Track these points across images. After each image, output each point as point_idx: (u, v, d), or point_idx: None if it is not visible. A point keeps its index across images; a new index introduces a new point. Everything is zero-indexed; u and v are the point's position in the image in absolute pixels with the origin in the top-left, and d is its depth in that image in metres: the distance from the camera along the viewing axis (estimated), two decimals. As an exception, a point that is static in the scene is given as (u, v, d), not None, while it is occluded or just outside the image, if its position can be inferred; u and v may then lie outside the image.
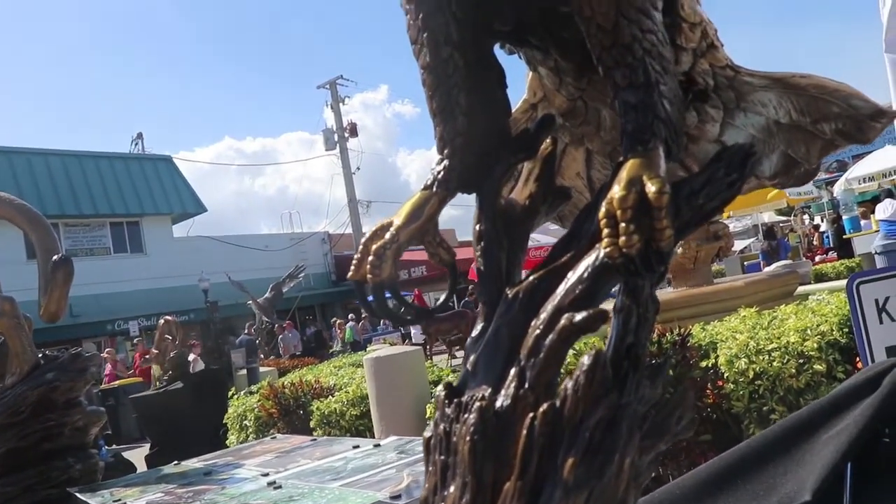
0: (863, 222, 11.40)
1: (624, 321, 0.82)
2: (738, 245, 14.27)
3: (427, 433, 0.82)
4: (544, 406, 0.73)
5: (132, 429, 10.43)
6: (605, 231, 0.75)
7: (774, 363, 2.75)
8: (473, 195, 0.99)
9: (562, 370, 0.81)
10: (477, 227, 0.95)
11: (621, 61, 0.87)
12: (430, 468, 0.81)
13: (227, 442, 5.61)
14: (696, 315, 4.54)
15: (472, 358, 0.84)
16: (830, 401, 1.33)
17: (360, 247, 0.97)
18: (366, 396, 4.37)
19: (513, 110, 1.14)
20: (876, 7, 4.41)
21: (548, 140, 1.01)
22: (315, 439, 3.18)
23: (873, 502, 1.22)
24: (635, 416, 0.75)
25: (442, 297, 1.05)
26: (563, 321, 0.75)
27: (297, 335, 16.84)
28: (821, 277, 9.56)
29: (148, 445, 7.79)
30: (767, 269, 9.47)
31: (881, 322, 1.79)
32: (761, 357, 2.79)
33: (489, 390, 0.78)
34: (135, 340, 15.61)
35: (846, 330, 2.73)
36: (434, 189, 0.98)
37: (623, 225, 0.74)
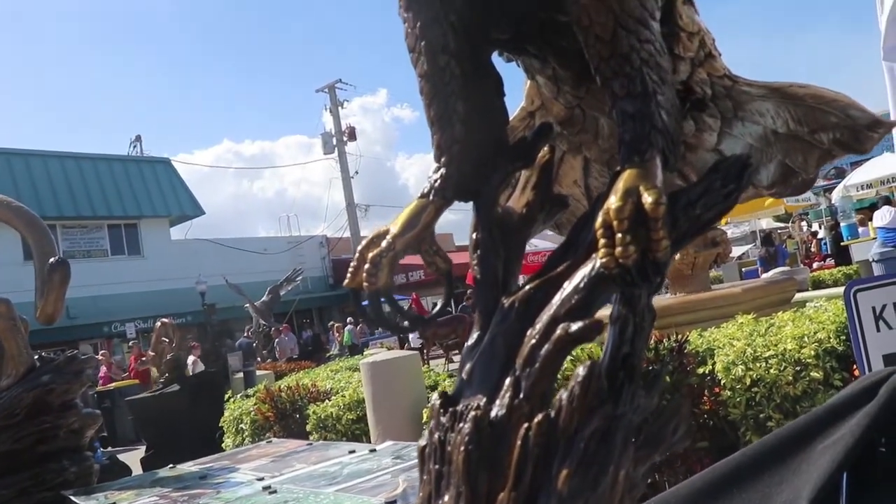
0: (860, 229, 11.43)
1: (620, 331, 0.82)
2: (736, 251, 14.29)
3: (422, 442, 0.82)
4: (539, 416, 0.73)
5: (128, 431, 10.40)
6: (602, 241, 0.75)
7: (771, 370, 2.75)
8: (471, 202, 0.99)
9: (559, 376, 0.81)
10: (474, 235, 0.95)
11: (619, 71, 0.87)
12: (425, 477, 0.81)
13: (224, 445, 5.60)
14: (693, 321, 4.54)
15: (467, 367, 0.84)
16: (827, 410, 1.33)
17: (357, 254, 0.97)
18: (362, 400, 4.36)
19: (511, 118, 1.14)
20: (874, 15, 4.42)
21: (545, 148, 1.01)
22: (311, 443, 3.17)
23: (869, 513, 1.22)
24: (630, 427, 0.75)
25: (438, 306, 1.05)
26: (558, 331, 0.75)
27: (293, 338, 16.82)
28: (818, 284, 9.57)
29: (144, 448, 7.76)
30: (765, 275, 9.49)
31: (878, 330, 1.78)
32: (758, 364, 2.79)
33: (484, 400, 0.78)
34: (130, 343, 15.56)
35: (843, 337, 2.73)
36: (431, 197, 0.97)
37: (619, 235, 0.74)
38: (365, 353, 9.86)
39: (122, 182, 21.25)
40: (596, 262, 0.77)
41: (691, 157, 1.24)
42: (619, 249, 0.74)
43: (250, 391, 6.33)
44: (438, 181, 0.97)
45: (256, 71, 67.88)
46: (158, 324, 8.28)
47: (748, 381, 2.78)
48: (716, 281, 8.26)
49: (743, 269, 12.27)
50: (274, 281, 16.85)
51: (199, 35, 71.31)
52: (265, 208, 48.30)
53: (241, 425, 5.46)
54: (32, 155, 19.84)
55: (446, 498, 0.77)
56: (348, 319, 18.09)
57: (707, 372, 2.96)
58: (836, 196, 13.06)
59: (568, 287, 0.79)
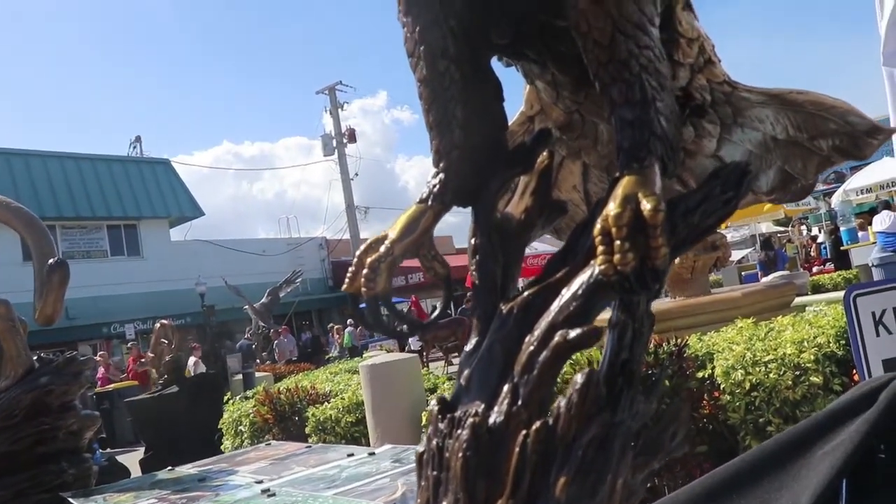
0: (860, 233, 11.43)
1: (619, 336, 0.82)
2: (736, 255, 14.31)
3: (420, 448, 0.82)
4: (537, 424, 0.73)
5: (127, 432, 10.39)
6: (600, 248, 0.75)
7: (771, 375, 2.75)
8: (469, 207, 0.99)
9: (558, 381, 0.81)
10: (472, 240, 0.95)
11: (618, 77, 0.86)
12: (423, 483, 0.81)
13: (222, 447, 5.60)
14: (692, 325, 4.54)
15: (465, 373, 0.84)
16: (826, 416, 1.33)
17: (355, 259, 0.97)
18: (361, 403, 4.36)
19: (510, 123, 1.14)
20: (874, 20, 4.43)
21: (545, 153, 1.01)
22: (310, 446, 3.17)
23: (868, 520, 1.22)
24: (629, 434, 0.75)
25: (436, 311, 1.05)
26: (556, 338, 0.75)
27: (292, 340, 16.81)
28: (818, 288, 9.58)
29: (143, 449, 7.75)
30: (765, 279, 9.49)
31: (878, 335, 1.78)
32: (758, 368, 2.79)
33: (482, 406, 0.78)
34: (129, 344, 15.55)
35: (843, 342, 2.73)
36: (429, 202, 0.97)
37: (618, 242, 0.74)
38: (364, 355, 9.86)
39: (121, 183, 21.25)
40: (594, 268, 0.77)
41: (690, 162, 1.24)
42: (617, 256, 0.73)
43: (249, 393, 6.33)
44: (437, 186, 0.97)
45: (256, 72, 67.98)
46: (158, 325, 8.27)
47: (748, 385, 2.78)
48: (715, 285, 8.26)
49: (742, 273, 12.28)
50: (273, 282, 16.86)
51: (199, 36, 71.40)
52: (265, 210, 48.33)
53: (240, 427, 5.45)
54: (32, 155, 19.85)
55: (444, 504, 0.76)
56: (348, 321, 18.07)
57: (706, 376, 2.96)
58: (835, 200, 13.07)
59: (566, 294, 0.79)
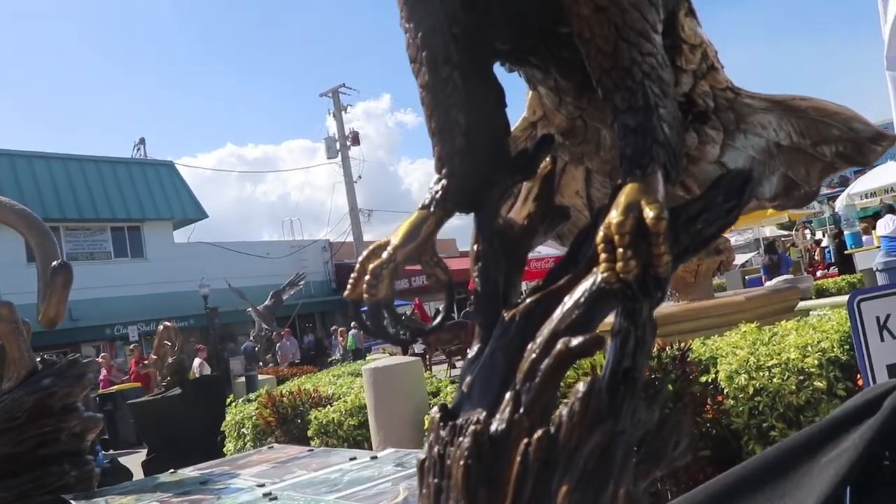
0: (864, 238, 11.39)
1: (621, 344, 0.81)
2: (740, 259, 14.29)
3: (421, 455, 0.82)
4: (539, 432, 0.73)
5: (129, 434, 10.38)
6: (603, 256, 0.75)
7: (775, 379, 2.73)
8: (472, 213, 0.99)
9: (561, 386, 0.80)
10: (475, 247, 0.95)
11: (621, 84, 0.86)
12: (424, 491, 0.81)
13: (225, 449, 5.60)
14: (696, 329, 4.52)
15: (467, 380, 0.84)
16: (830, 422, 1.32)
17: (357, 266, 0.97)
18: (364, 406, 4.36)
19: (512, 128, 1.14)
20: (877, 24, 4.42)
21: (547, 159, 1.01)
22: (312, 450, 3.17)
23: (872, 527, 1.21)
24: (631, 442, 0.75)
25: (439, 318, 1.05)
26: (559, 346, 0.75)
27: (295, 343, 16.80)
28: (822, 293, 9.54)
29: (145, 451, 7.76)
30: (768, 283, 9.47)
31: (882, 340, 1.77)
32: (761, 373, 2.78)
33: (484, 414, 0.78)
34: (131, 346, 15.55)
35: (847, 347, 2.72)
36: (432, 209, 0.97)
37: (621, 250, 0.74)
38: (367, 357, 9.85)
39: (125, 184, 21.30)
40: (597, 276, 0.77)
41: (694, 169, 1.24)
42: (620, 264, 0.73)
43: (252, 395, 6.33)
44: (439, 192, 0.97)
45: (260, 75, 68.13)
46: (161, 327, 8.27)
47: (751, 390, 2.77)
48: (719, 289, 8.24)
49: (746, 278, 12.26)
50: (277, 285, 16.85)
51: (203, 38, 71.62)
52: (268, 212, 48.32)
53: (242, 430, 5.46)
54: (36, 157, 19.92)
55: (445, 512, 0.76)
56: (352, 323, 18.03)
57: (710, 380, 2.95)
58: (839, 204, 13.02)
59: (569, 301, 0.79)
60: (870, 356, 1.78)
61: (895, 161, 12.38)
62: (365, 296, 0.93)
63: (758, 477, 1.29)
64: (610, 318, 0.85)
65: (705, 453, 2.83)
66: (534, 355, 0.77)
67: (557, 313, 0.79)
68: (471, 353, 0.87)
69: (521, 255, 0.96)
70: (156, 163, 23.28)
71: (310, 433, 4.65)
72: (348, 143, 25.88)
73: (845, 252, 12.10)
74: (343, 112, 26.11)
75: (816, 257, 15.63)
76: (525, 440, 0.73)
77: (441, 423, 0.81)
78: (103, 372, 12.46)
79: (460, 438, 0.77)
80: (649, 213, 0.75)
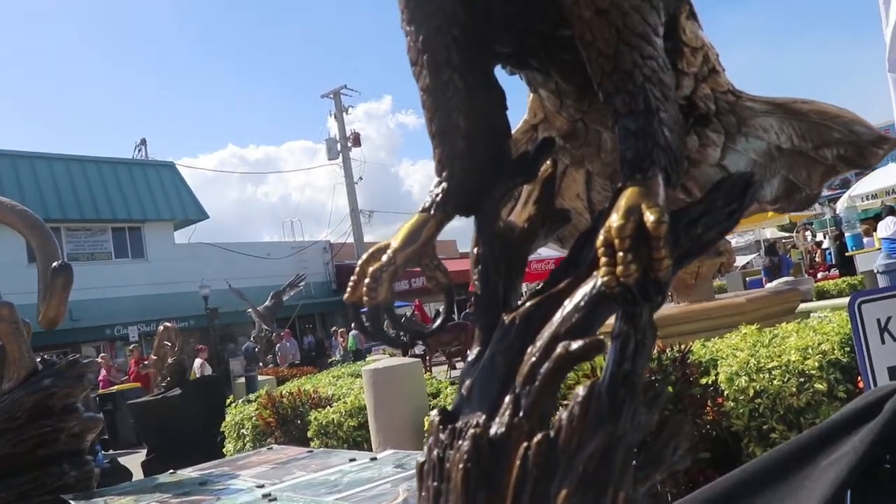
0: (865, 239, 11.38)
1: (621, 348, 0.81)
2: (740, 261, 14.29)
3: (420, 458, 0.82)
4: (538, 436, 0.73)
5: (129, 434, 10.39)
6: (603, 260, 0.75)
7: (775, 381, 2.73)
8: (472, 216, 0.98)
9: (561, 387, 0.80)
10: (475, 250, 0.95)
11: (621, 87, 0.86)
12: (423, 494, 0.81)
13: (225, 450, 5.60)
14: (696, 331, 4.52)
15: (467, 383, 0.84)
16: (830, 426, 1.32)
17: (357, 269, 0.96)
18: (364, 407, 4.36)
19: (513, 131, 1.14)
20: (879, 26, 4.42)
21: (548, 162, 1.01)
22: (311, 451, 3.17)
23: (873, 531, 1.21)
24: (631, 446, 0.75)
25: (438, 321, 1.05)
26: (558, 349, 0.75)
27: (295, 344, 16.80)
28: (823, 294, 9.54)
29: (145, 451, 7.76)
30: (769, 285, 9.46)
31: (883, 342, 1.77)
32: (762, 375, 2.78)
33: (484, 417, 0.78)
34: (131, 346, 15.55)
35: (848, 349, 2.72)
36: (432, 212, 0.97)
37: (621, 254, 0.74)
38: (367, 358, 9.85)
39: (126, 185, 21.31)
40: (597, 280, 0.77)
41: (695, 171, 1.23)
42: (620, 268, 0.73)
43: (252, 396, 6.33)
44: (440, 196, 0.97)
45: (261, 76, 68.19)
46: (161, 327, 8.28)
47: (751, 392, 2.77)
48: (719, 290, 8.23)
49: (747, 279, 12.25)
50: (277, 286, 16.84)
51: (204, 39, 71.67)
52: (269, 213, 48.34)
53: (242, 430, 5.45)
54: (37, 157, 19.94)
55: (445, 515, 0.76)
56: (353, 325, 17.95)
57: (710, 382, 2.95)
58: (840, 206, 13.01)
59: (569, 305, 0.79)
60: (870, 358, 1.77)
61: (896, 163, 12.37)
62: (365, 299, 0.93)
63: (758, 480, 1.29)
64: (611, 321, 0.84)
65: (705, 455, 2.83)
66: (534, 359, 0.77)
67: (557, 317, 0.79)
68: (471, 355, 0.87)
69: (522, 258, 0.96)
70: (157, 163, 23.29)
71: (309, 434, 4.65)
72: (349, 145, 25.89)
73: (846, 254, 12.10)
74: (344, 113, 26.12)
75: (817, 259, 15.62)
76: (524, 444, 0.73)
77: (440, 427, 0.81)
78: (102, 372, 12.47)
79: (460, 442, 0.77)
80: (650, 216, 0.75)
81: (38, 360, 3.55)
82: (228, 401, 6.46)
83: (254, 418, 5.26)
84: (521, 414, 0.75)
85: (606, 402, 0.74)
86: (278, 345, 15.58)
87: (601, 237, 0.76)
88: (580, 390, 0.73)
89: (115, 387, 11.96)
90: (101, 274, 19.10)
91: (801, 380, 2.69)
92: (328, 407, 4.76)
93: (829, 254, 14.68)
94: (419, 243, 0.96)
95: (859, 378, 2.32)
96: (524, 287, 1.02)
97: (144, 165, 22.93)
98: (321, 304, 24.86)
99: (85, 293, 16.17)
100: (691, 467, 2.77)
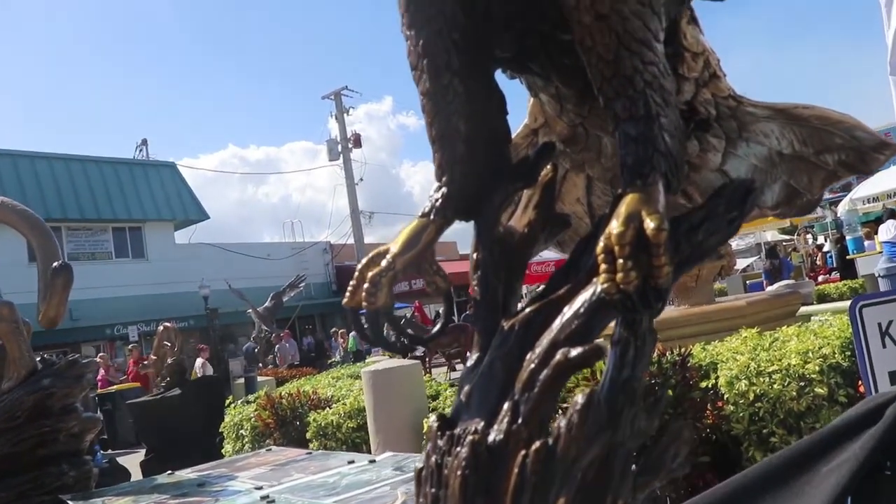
0: (866, 243, 11.37)
1: (621, 353, 0.81)
2: (741, 263, 14.27)
3: (418, 464, 0.82)
4: (537, 444, 0.72)
5: (128, 433, 10.39)
6: (603, 267, 0.75)
7: (775, 385, 2.73)
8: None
9: (563, 389, 0.80)
10: (475, 255, 0.95)
11: (622, 93, 0.86)
12: (421, 500, 0.81)
13: (223, 451, 5.59)
14: (697, 334, 4.52)
15: (465, 389, 0.83)
16: (831, 431, 1.32)
17: (356, 273, 0.96)
18: (363, 409, 4.35)
19: (514, 135, 1.14)
20: (880, 29, 4.42)
21: (548, 167, 1.01)
22: (310, 453, 3.16)
23: (874, 537, 1.20)
24: (630, 454, 0.74)
25: (437, 326, 1.04)
26: (558, 356, 0.75)
27: (294, 345, 16.81)
28: (823, 298, 9.54)
29: (144, 451, 7.76)
30: (770, 288, 9.45)
31: (884, 346, 1.77)
32: (762, 379, 2.77)
33: (482, 424, 0.77)
34: (130, 346, 15.55)
35: (848, 353, 2.71)
36: (431, 217, 0.97)
37: (621, 261, 0.73)
38: (367, 359, 9.85)
39: (127, 185, 21.32)
40: (597, 287, 0.76)
41: (695, 176, 1.23)
42: (620, 275, 0.73)
43: (251, 397, 6.33)
44: (439, 200, 0.97)
45: (262, 76, 68.24)
46: (161, 328, 8.28)
47: (751, 395, 2.76)
48: (720, 293, 8.23)
49: (747, 282, 12.24)
50: (277, 286, 16.84)
51: (205, 40, 71.74)
52: (270, 214, 48.34)
53: (241, 431, 5.45)
54: (38, 157, 19.95)
55: (442, 522, 0.76)
56: (352, 328, 17.91)
57: (710, 386, 2.94)
58: (841, 209, 13.00)
59: (568, 311, 0.79)
60: (871, 363, 1.77)
61: (897, 166, 12.36)
62: (364, 304, 0.93)
63: (758, 486, 1.29)
64: (612, 325, 0.84)
65: (705, 459, 2.82)
66: (533, 365, 0.77)
67: (557, 323, 0.79)
68: (469, 361, 0.87)
69: (521, 263, 0.96)
70: (158, 164, 23.30)
71: (308, 435, 4.64)
72: (350, 146, 25.89)
73: (847, 257, 12.09)
74: (345, 114, 26.12)
75: (818, 262, 15.61)
76: (523, 451, 0.73)
77: (439, 433, 0.80)
78: (101, 372, 12.47)
79: (458, 448, 0.77)
80: (650, 224, 0.74)
81: (38, 359, 3.55)
82: (227, 401, 6.46)
83: (253, 419, 5.26)
84: (519, 421, 0.75)
85: (605, 410, 0.74)
86: (277, 346, 15.58)
87: (601, 244, 0.76)
88: (579, 398, 0.73)
89: (115, 387, 11.97)
90: (101, 273, 19.10)
91: (802, 384, 2.68)
92: (327, 408, 4.75)
93: (830, 257, 14.67)
94: (419, 248, 0.96)
95: (860, 382, 2.31)
96: (524, 289, 1.02)
97: (145, 165, 22.94)
98: (321, 305, 24.86)
99: (85, 293, 16.17)
100: (691, 471, 2.76)
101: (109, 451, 9.07)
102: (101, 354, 14.87)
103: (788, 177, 1.25)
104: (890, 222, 8.85)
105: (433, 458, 0.79)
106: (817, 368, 2.68)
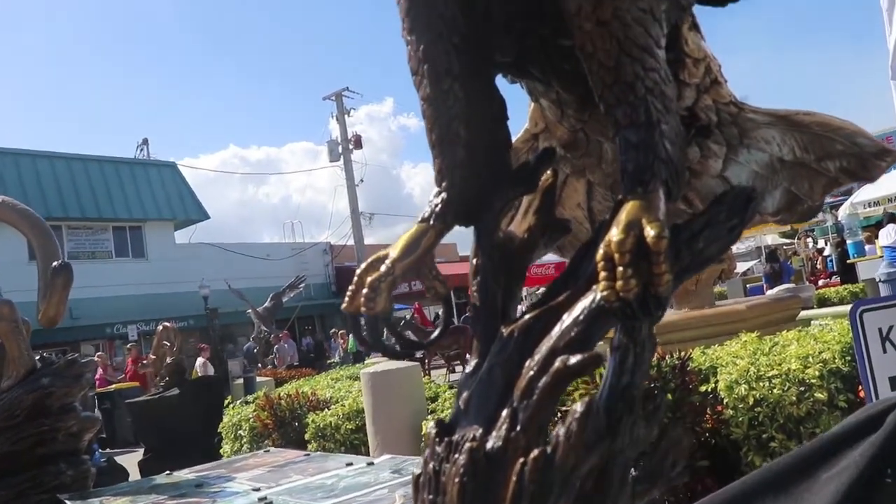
0: (867, 247, 11.36)
1: (620, 361, 0.80)
2: (741, 267, 14.25)
3: (416, 471, 0.81)
4: (535, 452, 0.72)
5: (127, 433, 10.39)
6: (602, 274, 0.74)
7: (775, 390, 2.72)
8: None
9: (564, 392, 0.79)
10: (474, 260, 0.94)
11: (623, 99, 0.86)
12: (419, 507, 0.80)
13: (222, 451, 5.59)
14: (697, 337, 4.51)
15: (464, 395, 0.83)
16: (831, 438, 1.31)
17: (355, 279, 0.96)
18: (362, 410, 4.35)
19: (514, 140, 1.13)
20: (882, 33, 4.42)
21: (548, 172, 1.00)
22: (308, 454, 3.16)
23: (874, 546, 1.20)
24: (629, 461, 0.74)
25: (437, 331, 1.04)
26: (557, 363, 0.74)
27: (293, 345, 16.80)
28: (824, 302, 9.52)
29: (142, 451, 7.75)
30: (770, 292, 9.44)
31: (885, 351, 1.76)
32: (761, 383, 2.76)
33: (480, 430, 0.77)
34: (128, 345, 15.54)
35: (849, 358, 2.70)
36: (431, 222, 0.96)
37: (621, 269, 0.73)
38: (366, 361, 9.84)
39: (128, 185, 21.33)
40: (596, 294, 0.76)
41: (696, 183, 1.23)
42: (620, 283, 0.73)
43: (250, 398, 6.32)
44: (439, 205, 0.96)
45: (263, 77, 68.29)
46: (160, 327, 8.28)
47: (751, 400, 2.76)
48: (720, 297, 8.22)
49: (747, 286, 12.23)
50: (277, 287, 16.83)
51: (206, 40, 71.78)
52: (270, 214, 48.36)
53: (239, 432, 5.45)
54: (39, 156, 19.96)
55: (440, 529, 0.75)
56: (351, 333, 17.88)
57: (709, 390, 2.94)
58: (842, 213, 13.00)
59: (567, 319, 0.78)
60: (872, 368, 1.76)
61: (898, 171, 12.35)
62: (363, 309, 0.92)
63: (757, 492, 1.28)
64: (611, 331, 0.84)
65: (704, 464, 2.82)
66: (532, 372, 0.77)
67: (556, 330, 0.78)
68: (468, 367, 0.86)
69: (521, 268, 0.96)
70: (158, 163, 23.30)
71: (307, 436, 4.64)
72: (351, 147, 25.90)
73: (848, 261, 12.07)
74: (346, 115, 26.14)
75: (818, 266, 15.59)
76: (521, 459, 0.72)
77: (437, 439, 0.80)
78: (99, 371, 12.47)
79: (456, 455, 0.76)
80: (650, 231, 0.74)
81: (38, 358, 3.55)
82: (226, 402, 6.45)
83: (251, 420, 5.25)
84: (518, 428, 0.75)
85: (604, 418, 0.73)
86: (276, 346, 15.57)
87: (601, 251, 0.75)
88: (578, 406, 0.73)
89: (113, 386, 11.96)
90: (101, 273, 19.10)
91: (802, 389, 2.68)
92: (326, 409, 4.75)
93: (831, 261, 14.66)
94: (418, 253, 0.95)
95: (860, 387, 2.31)
96: (524, 291, 1.02)
97: (146, 165, 22.95)
98: (321, 306, 24.85)
99: (85, 292, 16.16)
100: (689, 476, 2.76)
101: (108, 451, 9.06)
102: (98, 353, 14.86)
103: (789, 183, 1.25)
104: (890, 226, 8.83)
105: (431, 465, 0.79)
106: (817, 373, 2.68)
